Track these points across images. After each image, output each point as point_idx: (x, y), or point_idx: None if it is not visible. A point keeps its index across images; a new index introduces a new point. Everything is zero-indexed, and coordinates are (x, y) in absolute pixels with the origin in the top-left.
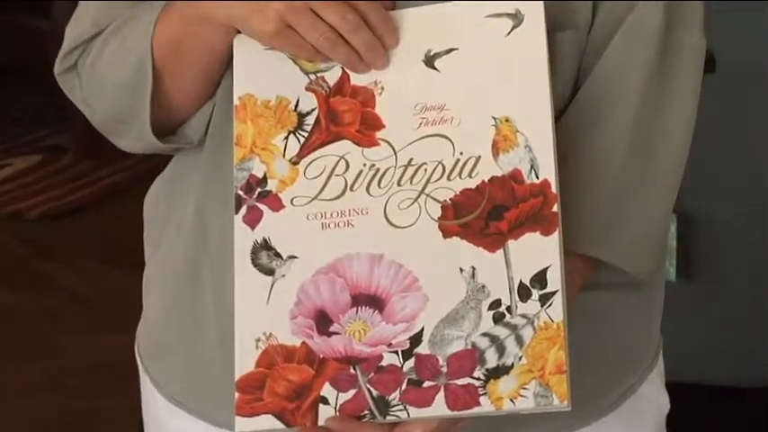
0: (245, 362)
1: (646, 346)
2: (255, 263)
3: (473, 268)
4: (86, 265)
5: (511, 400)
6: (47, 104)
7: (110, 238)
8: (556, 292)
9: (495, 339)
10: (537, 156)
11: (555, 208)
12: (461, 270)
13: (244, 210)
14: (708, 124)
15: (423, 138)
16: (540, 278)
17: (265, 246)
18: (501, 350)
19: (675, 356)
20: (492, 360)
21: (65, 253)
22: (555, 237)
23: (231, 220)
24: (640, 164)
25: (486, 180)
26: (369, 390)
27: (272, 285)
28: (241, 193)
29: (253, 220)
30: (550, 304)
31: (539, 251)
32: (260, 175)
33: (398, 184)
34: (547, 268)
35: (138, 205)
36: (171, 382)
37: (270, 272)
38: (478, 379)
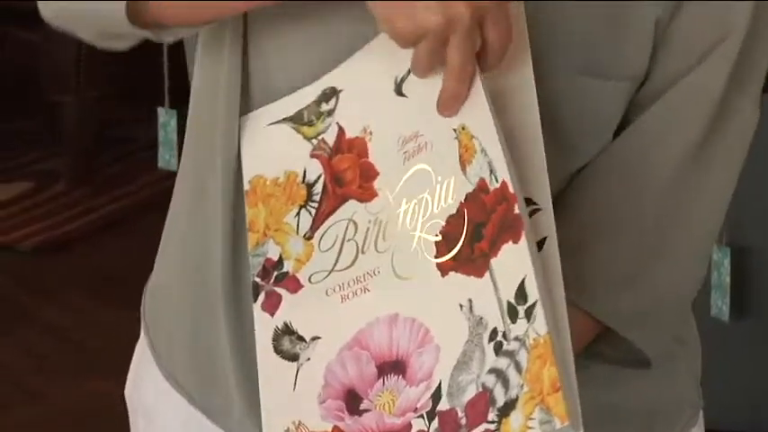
0: None
1: (685, 399)
2: (278, 350)
3: (470, 301)
4: (76, 303)
5: None
6: (37, 126)
7: (103, 274)
8: (535, 303)
9: (499, 374)
10: (491, 158)
11: (516, 209)
12: (461, 306)
13: (262, 297)
14: (764, 154)
15: (410, 174)
16: (521, 292)
17: (287, 331)
18: (506, 384)
19: (728, 403)
20: (500, 397)
21: (54, 289)
22: (523, 242)
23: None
24: (668, 231)
25: (462, 200)
26: None
27: (297, 371)
28: (258, 280)
29: (272, 306)
30: (534, 318)
31: (515, 263)
32: (275, 258)
33: (399, 232)
34: (524, 279)
35: (139, 237)
36: (173, 357)
37: (294, 357)
38: (493, 422)
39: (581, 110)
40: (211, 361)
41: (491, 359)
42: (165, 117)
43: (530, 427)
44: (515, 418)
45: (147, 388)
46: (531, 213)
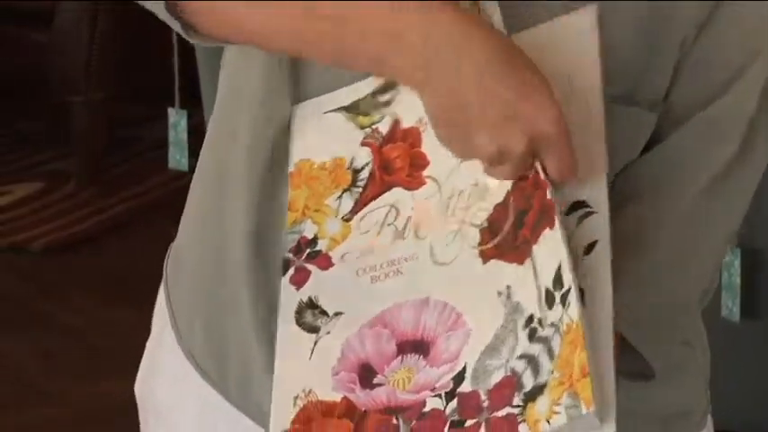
0: (280, 420)
1: (696, 402)
2: (299, 322)
3: (508, 288)
4: (86, 304)
5: (547, 421)
6: (48, 127)
7: (114, 275)
8: (570, 288)
9: (531, 359)
10: None
11: (548, 195)
12: (499, 293)
13: (291, 271)
14: None
15: (460, 164)
16: (557, 279)
17: (311, 305)
18: (536, 369)
19: (738, 403)
20: (529, 382)
21: (65, 291)
22: (557, 228)
23: None
24: (687, 247)
25: (509, 188)
26: None
27: (315, 343)
28: (290, 255)
29: (300, 280)
30: (569, 304)
31: (552, 249)
32: (310, 237)
33: (443, 220)
34: (560, 265)
35: (149, 237)
36: (192, 334)
37: (314, 330)
38: (517, 406)
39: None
40: (229, 338)
41: (524, 345)
42: (176, 117)
43: (556, 412)
44: (542, 402)
45: (160, 382)
46: (585, 216)
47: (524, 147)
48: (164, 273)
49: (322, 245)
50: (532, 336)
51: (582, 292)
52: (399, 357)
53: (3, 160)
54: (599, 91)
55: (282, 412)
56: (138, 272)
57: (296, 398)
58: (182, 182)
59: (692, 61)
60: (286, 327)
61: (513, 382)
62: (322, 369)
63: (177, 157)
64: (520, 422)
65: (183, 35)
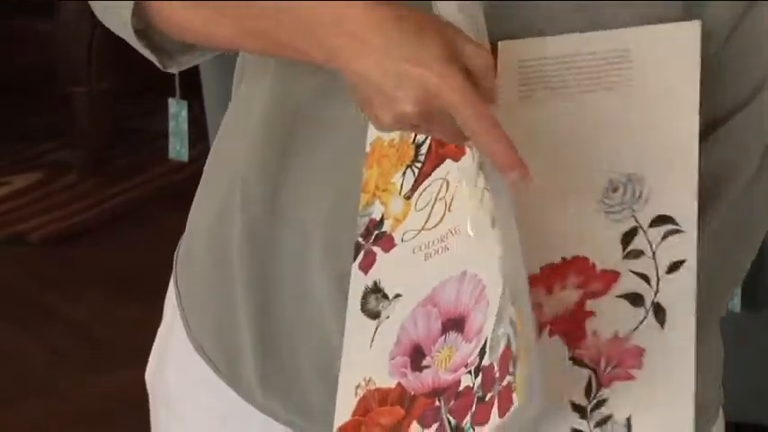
0: (343, 412)
1: (712, 396)
2: (364, 308)
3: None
4: (88, 294)
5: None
6: (48, 117)
7: (120, 265)
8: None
9: (513, 323)
10: None
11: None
12: (500, 260)
13: (361, 256)
14: None
15: None
16: None
17: (375, 289)
18: (515, 332)
19: (738, 393)
20: (514, 347)
21: (68, 283)
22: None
23: None
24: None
25: None
26: (448, 420)
27: (376, 329)
28: (360, 240)
29: (367, 265)
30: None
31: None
32: (378, 218)
33: (474, 190)
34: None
35: (150, 228)
36: (202, 326)
37: (376, 315)
38: (512, 373)
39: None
40: (233, 331)
41: (509, 310)
42: (176, 108)
43: (525, 375)
44: (519, 367)
45: (171, 371)
46: (671, 233)
47: (417, 111)
48: (173, 267)
49: (387, 226)
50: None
51: (664, 312)
52: (443, 336)
53: (3, 151)
54: (696, 107)
55: (346, 403)
56: (139, 263)
57: (357, 387)
58: (182, 172)
59: (718, 70)
60: (352, 315)
61: (509, 349)
62: (381, 355)
63: (178, 148)
64: (513, 390)
65: (158, 64)
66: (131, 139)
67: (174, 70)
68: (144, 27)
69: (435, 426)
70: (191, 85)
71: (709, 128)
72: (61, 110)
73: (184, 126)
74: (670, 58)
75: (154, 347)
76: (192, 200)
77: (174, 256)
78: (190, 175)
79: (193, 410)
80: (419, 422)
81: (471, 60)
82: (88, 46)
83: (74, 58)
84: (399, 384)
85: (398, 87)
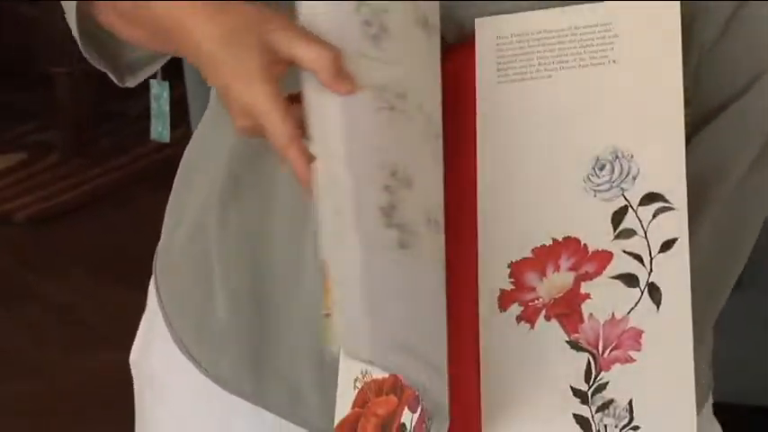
0: (343, 405)
1: (703, 380)
2: None
3: None
4: (71, 275)
5: None
6: (31, 98)
7: (102, 246)
8: None
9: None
10: None
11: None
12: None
13: None
14: None
15: None
16: None
17: None
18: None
19: (719, 374)
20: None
21: (51, 263)
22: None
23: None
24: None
25: None
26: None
27: None
28: None
29: None
30: None
31: None
32: None
33: None
34: None
35: (133, 208)
36: (183, 324)
37: None
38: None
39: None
40: (214, 323)
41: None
42: (158, 89)
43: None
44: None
45: (156, 357)
46: (662, 210)
47: (248, 124)
48: (153, 270)
49: None
50: None
51: (659, 291)
52: None
53: None
54: (680, 80)
55: (345, 396)
56: (121, 244)
57: (356, 380)
58: (164, 153)
59: (712, 62)
60: None
61: None
62: None
63: (159, 129)
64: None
65: (117, 81)
66: (114, 121)
67: (130, 84)
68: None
69: (419, 409)
70: (173, 66)
71: (702, 122)
72: (44, 91)
73: (166, 107)
74: (652, 31)
75: (139, 332)
76: (171, 181)
77: (153, 261)
78: (171, 156)
79: (179, 393)
80: (409, 408)
81: (301, 56)
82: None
83: (56, 40)
84: (393, 375)
85: (226, 104)
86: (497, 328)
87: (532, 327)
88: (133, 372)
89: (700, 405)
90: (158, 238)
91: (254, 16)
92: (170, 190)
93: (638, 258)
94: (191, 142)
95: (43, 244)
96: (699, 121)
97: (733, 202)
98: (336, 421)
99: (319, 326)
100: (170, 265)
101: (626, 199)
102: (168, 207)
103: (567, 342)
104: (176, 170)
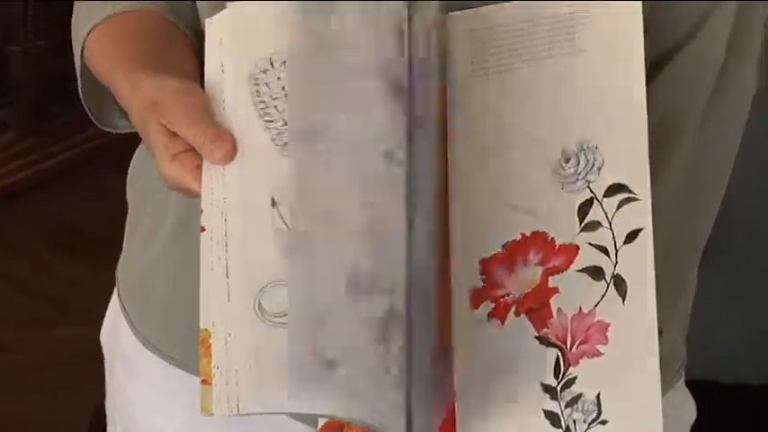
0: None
1: (676, 353)
2: None
3: None
4: (32, 252)
5: None
6: None
7: (61, 223)
8: None
9: None
10: None
11: None
12: None
13: None
14: None
15: None
16: None
17: None
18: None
19: (692, 352)
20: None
21: (7, 239)
22: None
23: None
24: (687, 212)
25: None
26: None
27: None
28: None
29: None
30: None
31: None
32: None
33: None
34: None
35: (92, 186)
36: (149, 323)
37: None
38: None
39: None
40: (176, 315)
41: None
42: None
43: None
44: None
45: (126, 338)
46: (626, 201)
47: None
48: (116, 279)
49: None
50: None
51: (624, 283)
52: None
53: None
54: (642, 71)
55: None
56: (80, 220)
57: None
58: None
59: (657, 9)
60: None
61: None
62: None
63: None
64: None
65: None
66: (70, 98)
67: (111, 128)
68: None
69: None
70: None
71: (654, 67)
72: None
73: None
74: (616, 21)
75: (107, 315)
76: (129, 159)
77: (116, 271)
78: (129, 133)
79: (151, 370)
80: None
81: (184, 135)
82: (24, 5)
83: (9, 17)
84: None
85: None
86: (470, 327)
87: (503, 323)
88: (104, 350)
89: (674, 380)
90: (116, 216)
91: (150, 96)
92: (128, 167)
93: (604, 251)
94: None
95: (2, 221)
96: (650, 68)
97: (693, 154)
98: (320, 424)
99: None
100: (130, 277)
101: (591, 191)
102: (126, 221)
103: (536, 338)
104: (133, 148)
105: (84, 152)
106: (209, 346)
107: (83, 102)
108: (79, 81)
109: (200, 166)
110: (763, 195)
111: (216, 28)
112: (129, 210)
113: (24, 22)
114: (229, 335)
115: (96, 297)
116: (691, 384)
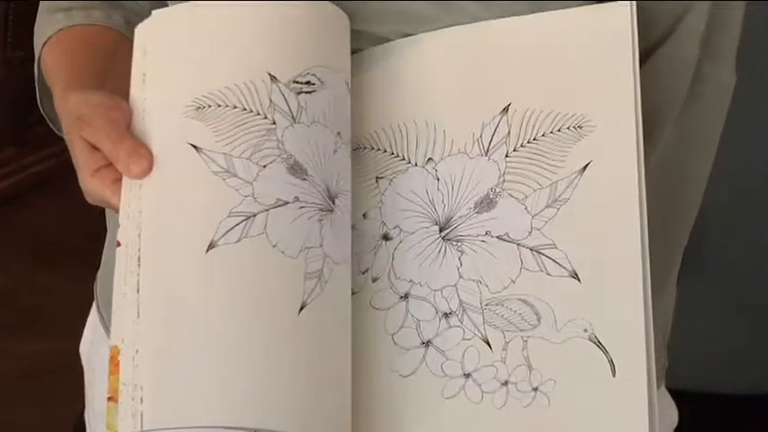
0: None
1: (657, 357)
2: None
3: None
4: (10, 263)
5: None
6: None
7: (38, 234)
8: None
9: None
10: None
11: None
12: None
13: None
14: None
15: None
16: None
17: None
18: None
19: (674, 362)
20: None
21: None
22: None
23: None
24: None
25: None
26: None
27: None
28: None
29: None
30: None
31: None
32: None
33: None
34: None
35: (69, 197)
36: None
37: None
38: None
39: None
40: None
41: None
42: None
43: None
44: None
45: (105, 348)
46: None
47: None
48: (94, 292)
49: None
50: None
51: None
52: None
53: None
54: (634, 98)
55: None
56: (59, 230)
57: None
58: None
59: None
60: None
61: None
62: None
63: None
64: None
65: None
66: None
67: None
68: None
69: None
70: None
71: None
72: None
73: None
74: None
75: (87, 327)
76: None
77: (94, 284)
78: None
79: None
80: None
81: (101, 148)
82: (3, 14)
83: None
84: None
85: None
86: None
87: None
88: (83, 361)
89: (657, 383)
90: (93, 227)
91: (74, 110)
92: None
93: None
94: None
95: None
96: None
97: (671, 150)
98: None
99: None
100: (109, 289)
101: None
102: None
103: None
104: None
105: (62, 163)
106: (118, 363)
107: (42, 111)
108: (37, 91)
109: (119, 181)
110: (743, 206)
111: (141, 35)
112: (108, 221)
113: (4, 31)
114: (136, 351)
115: (71, 309)
116: (670, 394)
